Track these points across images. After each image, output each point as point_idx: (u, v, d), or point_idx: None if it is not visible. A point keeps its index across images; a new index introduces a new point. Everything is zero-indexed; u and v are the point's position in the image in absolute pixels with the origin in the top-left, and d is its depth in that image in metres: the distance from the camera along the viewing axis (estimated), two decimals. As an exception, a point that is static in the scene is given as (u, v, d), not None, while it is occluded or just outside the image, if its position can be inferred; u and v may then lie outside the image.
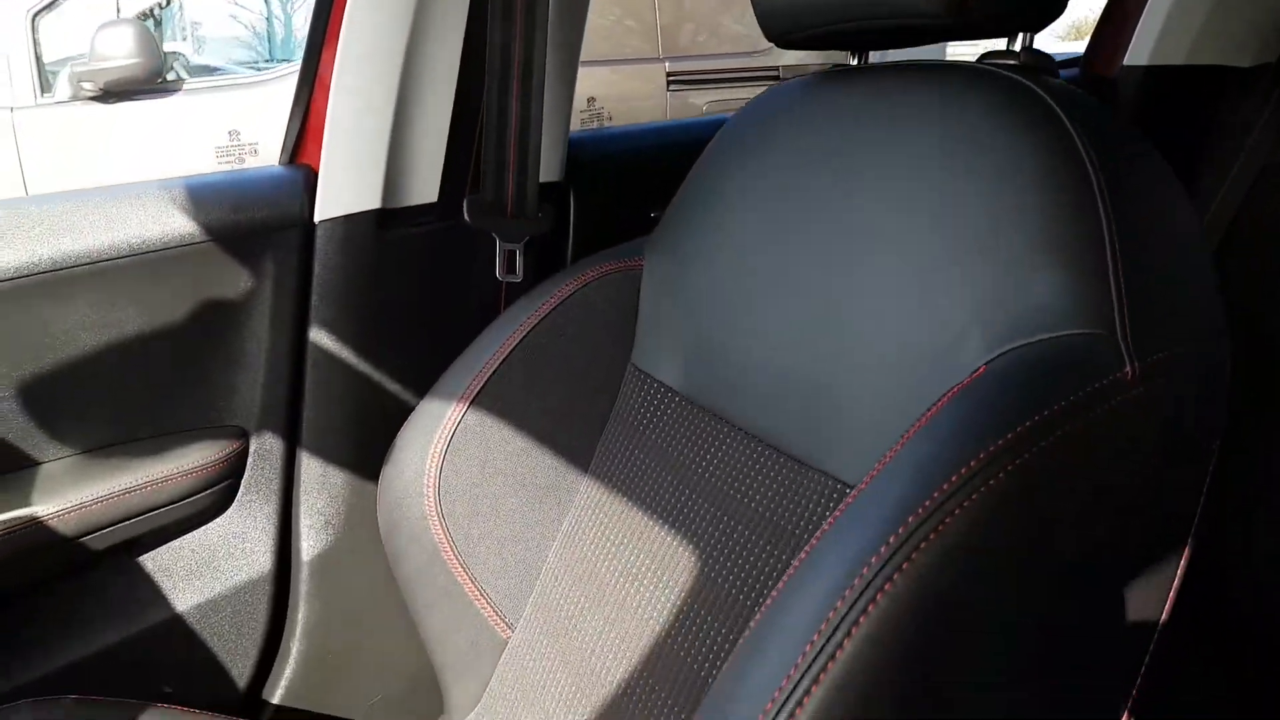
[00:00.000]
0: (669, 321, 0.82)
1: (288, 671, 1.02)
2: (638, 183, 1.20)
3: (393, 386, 1.01)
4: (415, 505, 0.85)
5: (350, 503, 1.02)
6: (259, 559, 1.01)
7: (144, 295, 0.93)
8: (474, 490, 0.86)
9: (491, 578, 0.86)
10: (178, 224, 0.94)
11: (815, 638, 0.44)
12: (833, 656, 0.43)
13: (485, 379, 0.86)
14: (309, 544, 1.01)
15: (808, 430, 0.66)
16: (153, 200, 0.94)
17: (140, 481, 0.92)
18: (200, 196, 0.96)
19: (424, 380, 0.94)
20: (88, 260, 0.90)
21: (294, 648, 1.02)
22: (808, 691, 0.43)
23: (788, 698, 0.44)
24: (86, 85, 2.71)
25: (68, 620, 0.94)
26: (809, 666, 0.44)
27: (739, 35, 3.75)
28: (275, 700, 1.02)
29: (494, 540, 0.86)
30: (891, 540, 0.44)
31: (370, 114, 0.95)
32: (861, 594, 0.44)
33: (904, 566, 0.44)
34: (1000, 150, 0.59)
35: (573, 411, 0.87)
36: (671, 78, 3.58)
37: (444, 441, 0.85)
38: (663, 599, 0.73)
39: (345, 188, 0.98)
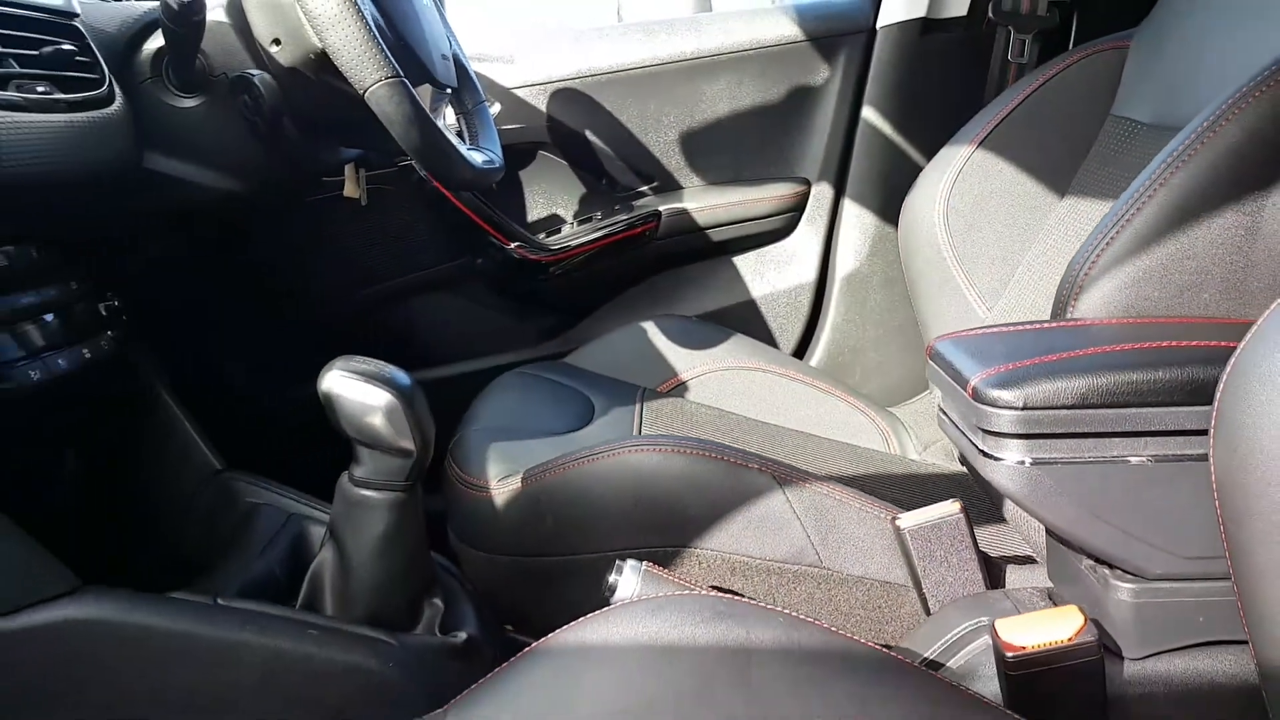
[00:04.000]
0: (1151, 71, 1.05)
1: (817, 354, 1.45)
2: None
3: (920, 150, 1.36)
4: (928, 218, 1.20)
5: (874, 239, 1.40)
6: (806, 271, 1.45)
7: (758, 79, 1.40)
8: (973, 209, 1.18)
9: (979, 271, 1.17)
10: (784, 30, 1.39)
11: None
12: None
13: (991, 128, 1.17)
14: (842, 265, 1.42)
15: None
16: (769, 14, 1.40)
17: (739, 200, 1.41)
18: (799, 12, 1.39)
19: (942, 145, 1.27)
20: (729, 51, 1.38)
21: (823, 338, 1.44)
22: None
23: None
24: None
25: (689, 292, 1.46)
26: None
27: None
28: (805, 375, 1.46)
29: (984, 244, 1.17)
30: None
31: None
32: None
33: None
34: None
35: (1058, 152, 1.14)
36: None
37: (955, 172, 1.18)
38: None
39: (901, 1, 1.34)
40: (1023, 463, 0.60)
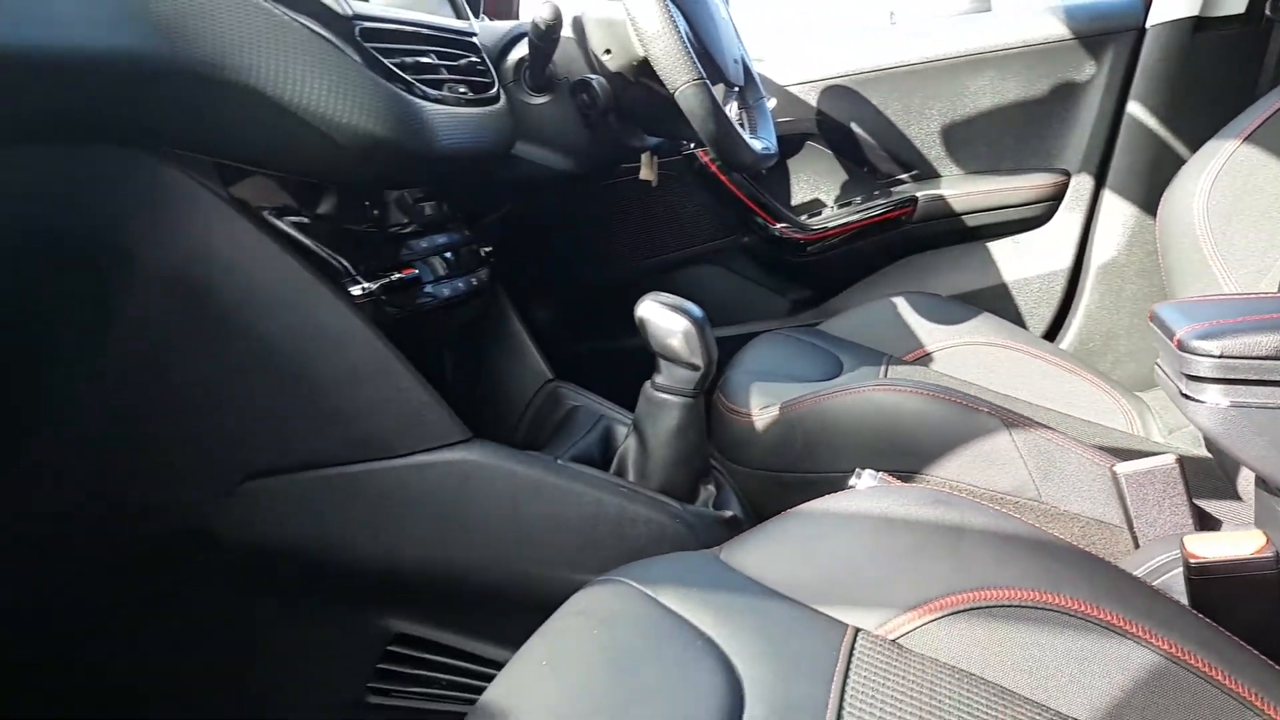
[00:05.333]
0: None
1: (1068, 338, 1.50)
2: None
3: (1185, 144, 1.38)
4: (1186, 209, 1.24)
5: (1134, 229, 1.44)
6: (1062, 258, 1.51)
7: (1022, 75, 1.48)
8: (1234, 202, 1.20)
9: (1237, 264, 1.20)
10: (1051, 29, 1.46)
11: None
12: None
13: (1260, 123, 1.19)
14: (1100, 253, 1.47)
15: None
16: (1037, 15, 1.48)
17: (997, 188, 1.50)
18: (1068, 12, 1.46)
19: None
20: (993, 49, 1.48)
21: (1075, 323, 1.50)
22: None
23: None
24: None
25: (940, 273, 1.57)
26: None
27: None
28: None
29: (1244, 238, 1.20)
30: None
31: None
32: None
33: None
34: None
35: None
36: None
37: (1219, 165, 1.21)
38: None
39: (1173, 1, 1.37)
40: (1220, 405, 0.70)
